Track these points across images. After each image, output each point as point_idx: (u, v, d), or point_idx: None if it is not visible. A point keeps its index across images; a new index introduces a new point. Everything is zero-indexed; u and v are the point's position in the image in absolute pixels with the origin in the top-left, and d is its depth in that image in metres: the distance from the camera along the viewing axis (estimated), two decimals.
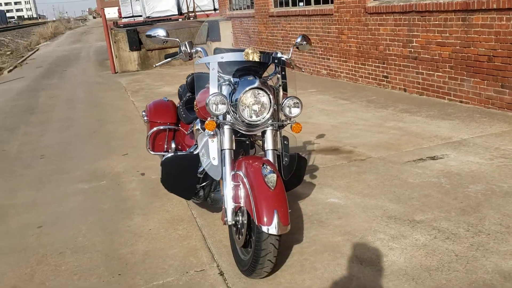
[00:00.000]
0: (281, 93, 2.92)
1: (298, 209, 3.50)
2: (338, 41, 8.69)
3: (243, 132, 2.80)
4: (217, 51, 2.97)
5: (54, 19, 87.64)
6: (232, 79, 2.83)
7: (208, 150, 2.77)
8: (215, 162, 2.74)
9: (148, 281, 2.78)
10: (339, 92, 7.68)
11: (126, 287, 2.74)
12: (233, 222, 2.66)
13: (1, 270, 3.05)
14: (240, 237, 2.69)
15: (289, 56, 3.16)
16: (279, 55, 3.16)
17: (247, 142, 2.99)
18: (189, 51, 2.98)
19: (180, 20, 16.32)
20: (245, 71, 2.82)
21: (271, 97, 2.72)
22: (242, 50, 2.80)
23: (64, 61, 17.93)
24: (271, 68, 3.04)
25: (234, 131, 2.81)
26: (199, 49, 2.99)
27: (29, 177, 4.88)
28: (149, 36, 3.00)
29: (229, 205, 2.65)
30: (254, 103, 2.71)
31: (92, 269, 2.97)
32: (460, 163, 4.04)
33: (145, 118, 3.93)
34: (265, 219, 2.39)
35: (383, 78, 7.59)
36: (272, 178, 2.46)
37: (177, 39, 3.02)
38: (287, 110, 2.79)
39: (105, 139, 6.10)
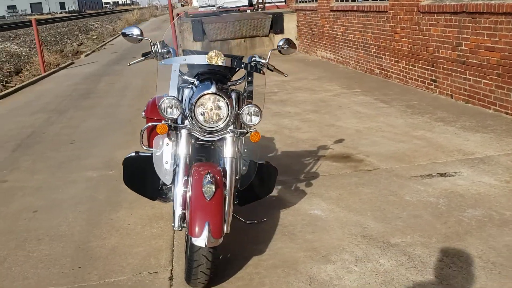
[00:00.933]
0: (246, 99, 2.83)
1: (276, 218, 3.38)
2: (391, 39, 8.27)
3: (201, 138, 2.74)
4: (184, 52, 2.93)
5: (146, 5, 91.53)
6: (196, 82, 2.78)
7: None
8: (168, 166, 2.72)
9: (101, 277, 2.83)
10: (384, 94, 7.32)
11: (80, 281, 2.81)
12: (180, 228, 2.62)
13: None
14: (186, 243, 2.64)
15: (267, 61, 3.06)
16: (256, 58, 3.07)
17: (212, 147, 2.91)
18: (159, 50, 2.96)
19: (248, 11, 16.37)
20: (210, 75, 2.76)
21: (228, 103, 2.63)
22: (207, 53, 2.74)
23: (139, 48, 18.66)
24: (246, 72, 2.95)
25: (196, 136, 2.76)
26: (170, 49, 2.96)
27: (52, 161, 5.15)
28: (124, 35, 3.02)
29: (177, 210, 2.60)
30: (211, 109, 2.64)
31: (59, 259, 3.07)
32: (470, 183, 3.70)
33: (143, 113, 3.97)
34: (195, 230, 2.34)
35: (431, 82, 7.12)
36: (208, 188, 2.38)
37: (149, 39, 3.01)
38: (245, 118, 2.69)
39: (135, 128, 6.26)
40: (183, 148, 2.70)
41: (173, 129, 2.69)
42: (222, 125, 2.65)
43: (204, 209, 2.36)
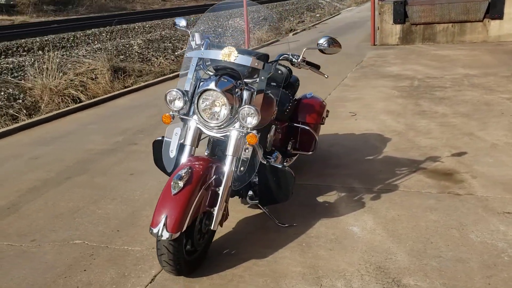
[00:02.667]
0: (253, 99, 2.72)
1: (309, 226, 3.19)
2: None
3: (206, 132, 2.77)
4: (209, 46, 2.94)
5: None
6: (211, 76, 2.80)
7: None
8: (171, 154, 2.82)
9: (124, 243, 3.15)
10: None
11: (107, 243, 3.18)
12: None
13: (67, 199, 3.91)
14: None
15: (298, 60, 2.89)
16: (289, 56, 2.93)
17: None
18: (197, 42, 3.03)
19: None
20: (222, 71, 2.75)
21: (226, 101, 2.60)
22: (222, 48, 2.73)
23: (347, 28, 18.62)
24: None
25: None
26: (203, 42, 3.00)
27: None
28: (175, 24, 3.19)
29: None
30: (211, 105, 2.65)
31: (111, 220, 3.51)
32: None
33: None
34: (154, 220, 2.43)
35: None
36: (175, 182, 2.43)
37: (189, 31, 3.10)
38: (242, 119, 2.61)
39: None
40: (189, 139, 2.78)
41: (182, 120, 2.79)
42: (214, 123, 2.66)
43: (167, 202, 2.43)
